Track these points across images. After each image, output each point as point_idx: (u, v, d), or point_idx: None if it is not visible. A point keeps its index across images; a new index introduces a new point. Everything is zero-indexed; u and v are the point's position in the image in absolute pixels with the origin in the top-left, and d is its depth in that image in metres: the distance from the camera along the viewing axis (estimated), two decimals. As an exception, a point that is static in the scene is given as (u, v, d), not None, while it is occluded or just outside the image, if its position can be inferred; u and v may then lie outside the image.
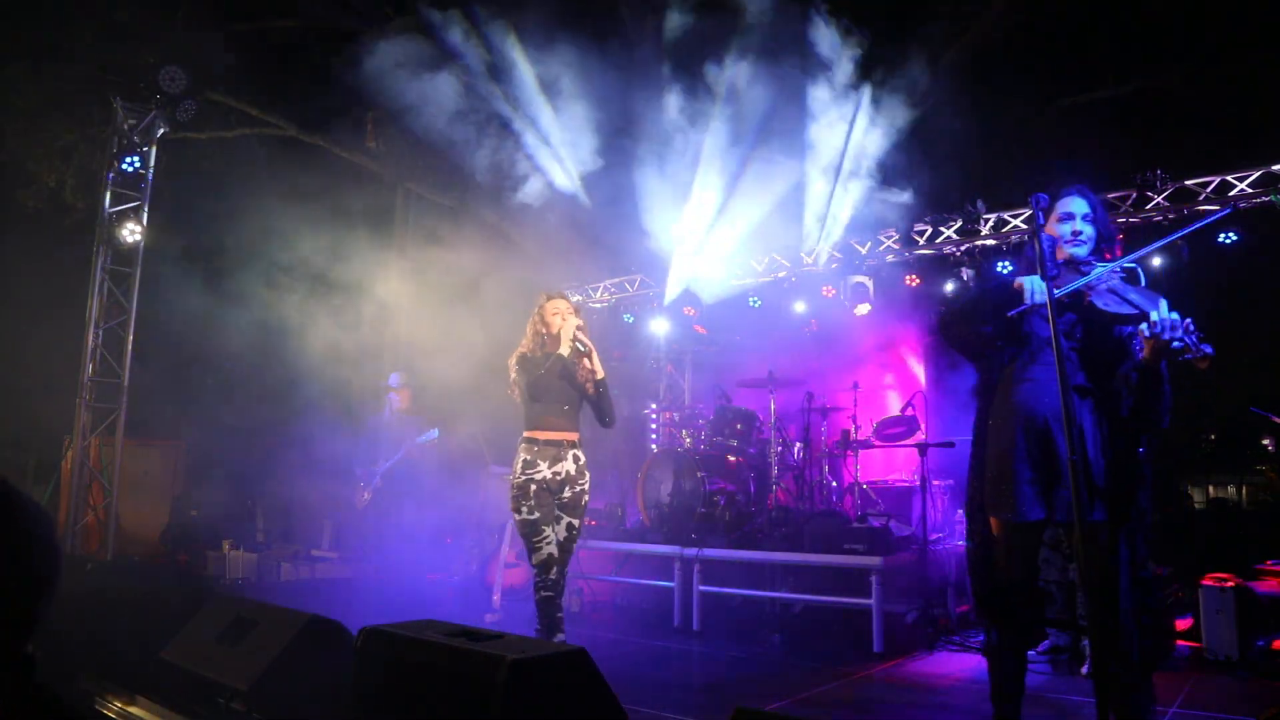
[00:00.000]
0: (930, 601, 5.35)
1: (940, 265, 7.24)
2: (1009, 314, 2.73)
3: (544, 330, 4.22)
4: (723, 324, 8.78)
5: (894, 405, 7.19)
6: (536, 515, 4.01)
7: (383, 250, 10.42)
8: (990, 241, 6.96)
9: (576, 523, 4.16)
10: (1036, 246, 2.57)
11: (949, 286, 7.15)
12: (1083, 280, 2.74)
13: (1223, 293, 6.56)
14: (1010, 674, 2.88)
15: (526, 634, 3.32)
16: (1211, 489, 8.18)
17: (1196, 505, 7.98)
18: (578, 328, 4.14)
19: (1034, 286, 2.70)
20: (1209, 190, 6.09)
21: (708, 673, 4.87)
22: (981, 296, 2.98)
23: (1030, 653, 4.60)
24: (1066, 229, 2.87)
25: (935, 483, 6.50)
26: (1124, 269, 2.79)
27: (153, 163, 7.86)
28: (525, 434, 4.14)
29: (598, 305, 9.17)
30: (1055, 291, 2.57)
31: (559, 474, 4.08)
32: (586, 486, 4.20)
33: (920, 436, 6.60)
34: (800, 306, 8.06)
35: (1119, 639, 2.59)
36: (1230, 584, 4.61)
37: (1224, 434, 7.78)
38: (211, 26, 9.05)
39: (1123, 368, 2.74)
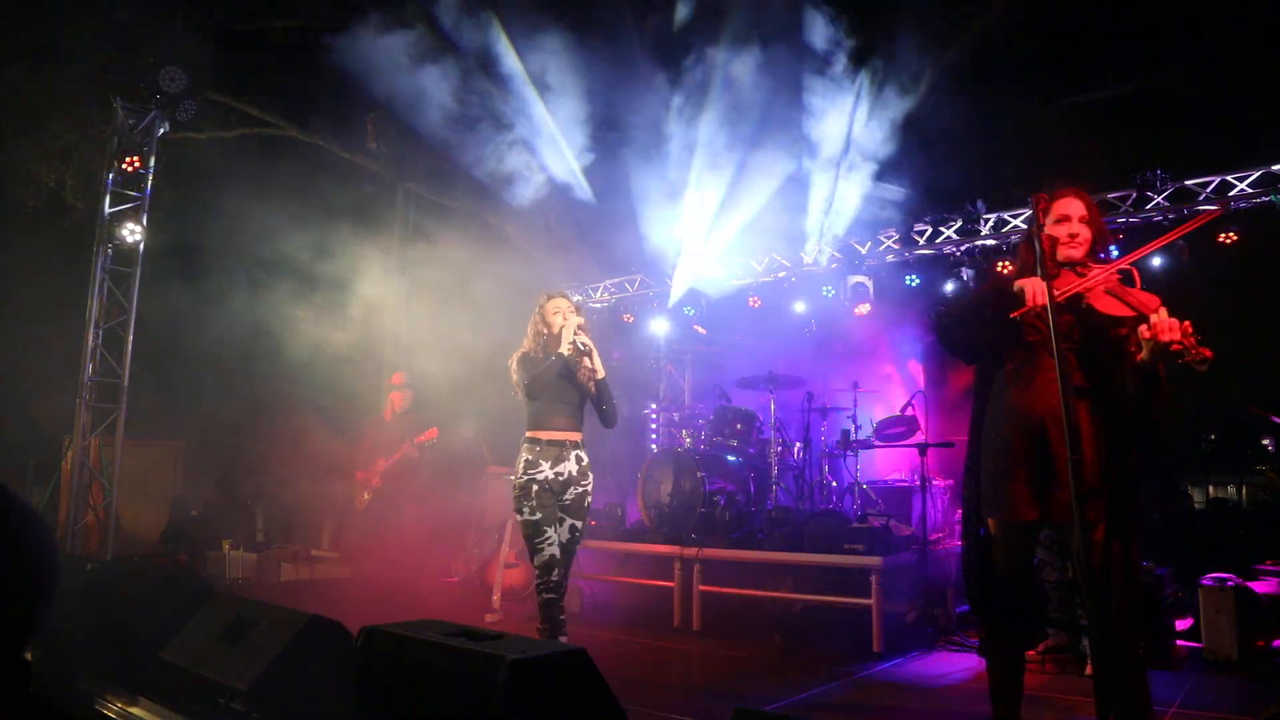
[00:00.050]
0: (930, 601, 5.35)
1: (940, 265, 7.24)
2: (1010, 316, 2.73)
3: (545, 330, 4.21)
4: (723, 324, 8.78)
5: (894, 405, 7.18)
6: (538, 516, 4.00)
7: (383, 250, 10.43)
8: (990, 241, 6.96)
9: (579, 524, 4.14)
10: (1037, 247, 2.57)
11: (949, 286, 7.16)
12: (1081, 282, 2.74)
13: (1223, 293, 6.54)
14: (1008, 674, 2.89)
15: (526, 634, 3.32)
16: (1211, 489, 8.16)
17: (1196, 505, 7.97)
18: (578, 326, 4.14)
19: (1034, 289, 2.70)
20: (1209, 190, 6.09)
21: (708, 673, 4.87)
22: (980, 300, 2.98)
23: (1030, 653, 4.63)
24: (1063, 230, 2.88)
25: (935, 483, 6.50)
26: (1120, 270, 2.79)
27: (153, 163, 7.86)
28: (527, 434, 4.13)
29: (598, 305, 9.17)
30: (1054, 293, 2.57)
31: (561, 474, 4.06)
32: (589, 488, 4.17)
33: (920, 436, 6.60)
34: (800, 306, 8.07)
35: (1118, 639, 2.59)
36: (1230, 584, 4.61)
37: (1224, 434, 7.77)
38: (212, 26, 9.05)
39: (1120, 369, 2.74)
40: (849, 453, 6.77)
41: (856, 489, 6.70)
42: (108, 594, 3.56)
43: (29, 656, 1.06)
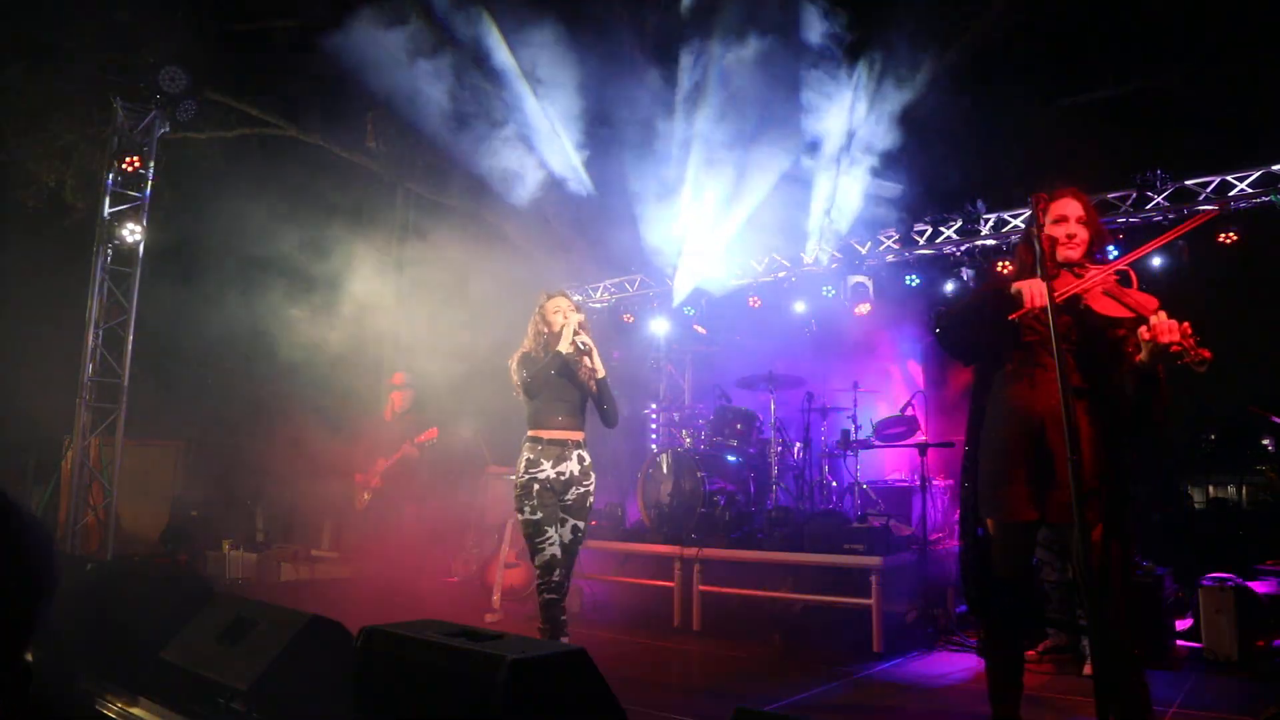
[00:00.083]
0: (930, 601, 5.35)
1: (940, 265, 7.24)
2: (1009, 318, 2.73)
3: (545, 329, 4.20)
4: (723, 324, 8.78)
5: (894, 405, 7.19)
6: (539, 516, 3.98)
7: (382, 250, 10.43)
8: (990, 241, 6.96)
9: (582, 525, 4.13)
10: (1037, 247, 2.57)
11: (949, 286, 7.16)
12: (1079, 283, 2.75)
13: (1223, 293, 6.54)
14: (1007, 674, 2.89)
15: (526, 634, 3.32)
16: (1211, 489, 8.16)
17: (1196, 505, 7.97)
18: (579, 325, 4.14)
19: (1031, 291, 2.71)
20: (1209, 190, 6.09)
21: (708, 673, 4.88)
22: (979, 302, 2.98)
23: (1030, 653, 4.64)
24: (1061, 231, 2.88)
25: (935, 483, 6.50)
26: (1117, 271, 2.80)
27: (153, 163, 7.86)
28: (529, 433, 4.12)
29: (598, 305, 9.18)
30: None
31: (563, 474, 4.05)
32: (591, 488, 4.15)
33: (920, 436, 6.60)
34: (800, 306, 8.07)
35: (1118, 639, 2.59)
36: (1230, 584, 4.61)
37: (1224, 434, 7.77)
38: (212, 26, 9.05)
39: (1118, 370, 2.74)
40: (849, 453, 6.77)
41: (856, 489, 6.70)
42: (108, 594, 3.55)
43: (29, 657, 1.06)
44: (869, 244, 7.57)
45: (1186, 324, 2.48)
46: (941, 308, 3.11)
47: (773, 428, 6.82)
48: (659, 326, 8.98)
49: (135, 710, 2.89)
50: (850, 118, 7.30)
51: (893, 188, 7.46)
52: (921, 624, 5.26)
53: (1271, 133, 6.79)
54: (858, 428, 6.86)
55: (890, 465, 7.91)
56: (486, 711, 2.12)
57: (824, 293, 7.76)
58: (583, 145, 8.05)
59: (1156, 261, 6.13)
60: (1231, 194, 5.99)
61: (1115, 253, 5.16)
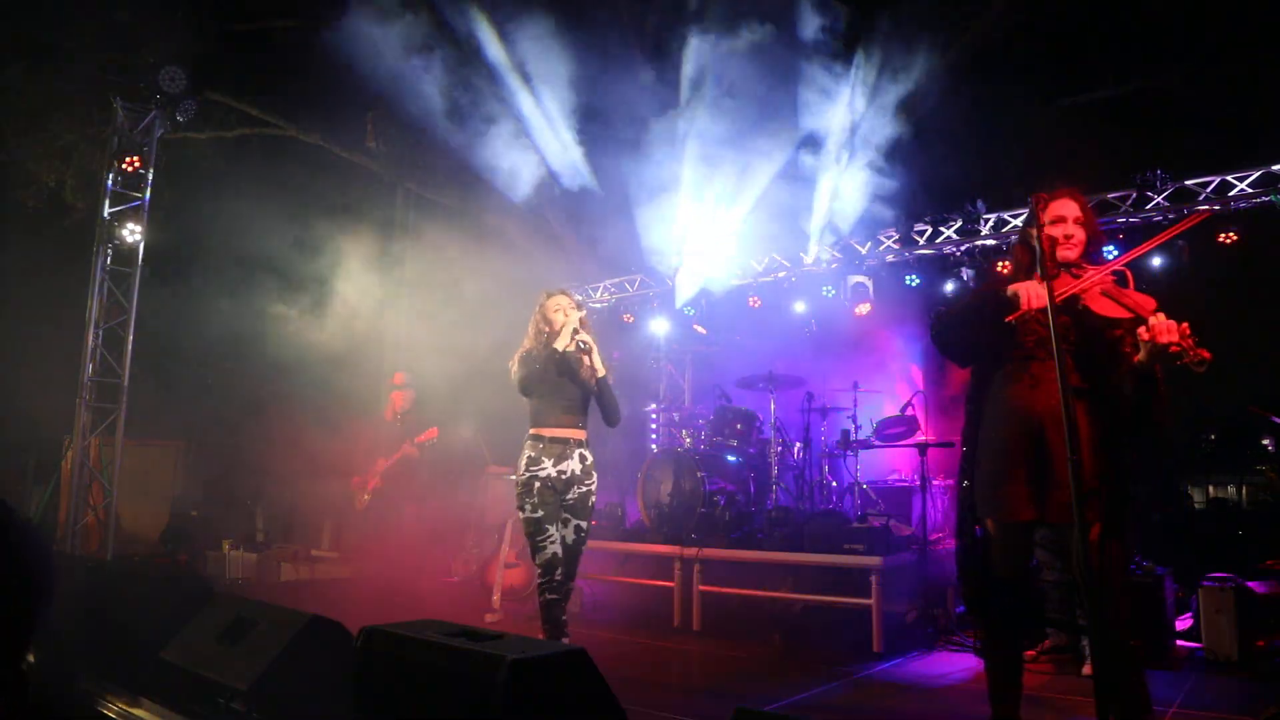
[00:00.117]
0: (930, 601, 5.35)
1: (940, 265, 7.24)
2: (1006, 319, 2.74)
3: (546, 328, 4.20)
4: (723, 324, 8.78)
5: (894, 405, 7.19)
6: (540, 514, 3.98)
7: (382, 250, 10.43)
8: (990, 241, 6.96)
9: (584, 525, 4.11)
10: (1037, 247, 2.57)
11: (949, 286, 7.16)
12: (1078, 284, 2.75)
13: (1222, 293, 6.54)
14: (1006, 674, 2.89)
15: (526, 634, 3.32)
16: (1211, 489, 8.15)
17: (1196, 505, 7.96)
18: (579, 322, 4.14)
19: (1028, 293, 2.71)
20: (1209, 190, 6.08)
21: (708, 673, 4.88)
22: (978, 303, 2.98)
23: (1030, 653, 4.64)
24: (1058, 231, 2.88)
25: (935, 483, 6.50)
26: (1114, 272, 2.80)
27: (153, 163, 7.86)
28: (531, 430, 4.11)
29: (598, 305, 9.18)
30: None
31: (564, 472, 4.05)
32: (593, 487, 4.14)
33: (920, 436, 6.60)
34: (800, 306, 8.07)
35: (1117, 639, 2.59)
36: (1230, 584, 4.61)
37: (1224, 434, 7.76)
38: (212, 26, 9.04)
39: (1117, 371, 2.74)
40: (849, 453, 6.77)
41: (856, 489, 6.70)
42: (108, 594, 3.55)
43: (30, 658, 1.07)
44: (869, 244, 7.57)
45: (1185, 324, 2.48)
46: (942, 308, 3.10)
47: (773, 428, 6.82)
48: (659, 326, 8.98)
49: (135, 710, 2.89)
50: (850, 117, 7.30)
51: (897, 191, 7.45)
52: (921, 624, 5.26)
53: (1271, 133, 6.79)
54: (858, 428, 6.86)
55: (890, 465, 7.91)
56: (486, 711, 2.12)
57: (824, 293, 7.76)
58: (583, 145, 8.05)
59: (1156, 261, 6.13)
60: (1231, 194, 5.99)
61: (1115, 252, 5.16)
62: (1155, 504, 6.94)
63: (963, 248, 7.06)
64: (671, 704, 3.83)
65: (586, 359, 4.12)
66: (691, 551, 5.85)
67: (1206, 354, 2.47)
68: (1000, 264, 6.38)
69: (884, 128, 7.28)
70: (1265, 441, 7.37)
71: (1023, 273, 2.93)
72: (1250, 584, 4.72)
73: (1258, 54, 7.91)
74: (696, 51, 7.78)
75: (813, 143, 7.50)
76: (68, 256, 8.73)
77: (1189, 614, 5.04)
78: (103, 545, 7.58)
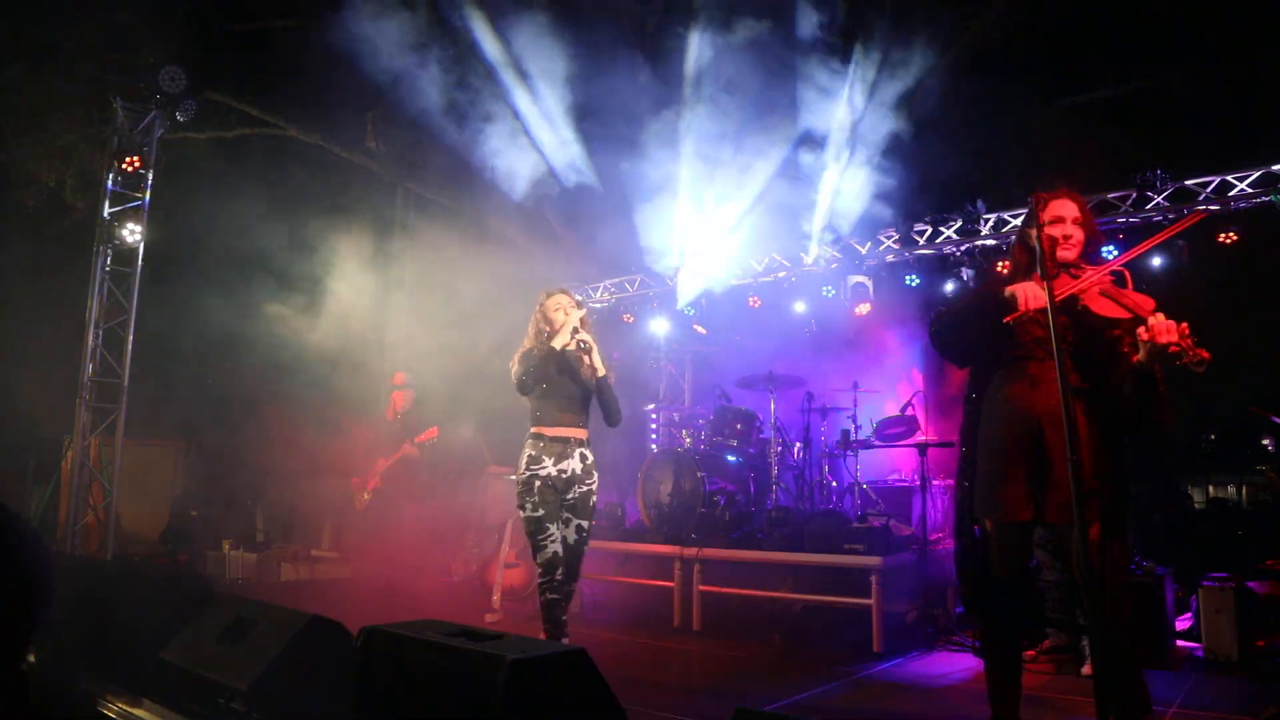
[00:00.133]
0: (930, 601, 5.35)
1: (940, 265, 7.24)
2: (1004, 320, 2.74)
3: (546, 327, 4.20)
4: (723, 324, 8.78)
5: (894, 405, 7.19)
6: (540, 513, 3.97)
7: (383, 250, 10.43)
8: (990, 241, 6.97)
9: (586, 524, 4.11)
10: (1036, 247, 2.57)
11: (949, 286, 7.16)
12: (1076, 284, 2.75)
13: (1222, 293, 6.55)
14: (1005, 674, 2.89)
15: (526, 634, 3.32)
16: (1211, 489, 8.15)
17: (1196, 505, 7.96)
18: (579, 321, 4.14)
19: (1026, 294, 2.71)
20: (1209, 190, 6.08)
21: (708, 673, 4.87)
22: (977, 303, 2.98)
23: (1030, 653, 4.64)
24: (1057, 231, 2.88)
25: (935, 483, 6.50)
26: (1112, 272, 2.80)
27: (153, 163, 7.86)
28: (531, 429, 4.11)
29: (598, 305, 9.18)
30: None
31: (565, 472, 4.05)
32: (594, 487, 4.14)
33: (920, 436, 6.61)
34: (800, 306, 8.07)
35: (1117, 639, 2.59)
36: (1230, 584, 4.61)
37: (1224, 434, 7.75)
38: (212, 26, 9.05)
39: (1116, 371, 2.74)
40: (849, 453, 6.77)
41: (856, 489, 6.70)
42: (108, 594, 3.55)
43: (30, 658, 1.07)
44: (869, 244, 7.57)
45: (1184, 324, 2.48)
46: (942, 308, 3.10)
47: (773, 428, 6.82)
48: (659, 326, 8.98)
49: (135, 710, 2.89)
50: (850, 116, 7.30)
51: (897, 191, 7.45)
52: (921, 624, 5.26)
53: (1271, 133, 6.79)
54: (858, 428, 6.86)
55: (890, 465, 7.91)
56: (486, 711, 2.12)
57: (824, 293, 7.76)
58: (583, 144, 8.05)
59: (1156, 261, 6.13)
60: (1231, 194, 5.99)
61: (1115, 252, 5.16)
62: (1155, 504, 6.94)
63: (963, 248, 7.06)
64: (671, 704, 3.83)
65: (587, 358, 4.12)
66: (691, 551, 5.85)
67: (1206, 354, 2.47)
68: (1000, 264, 6.38)
69: (884, 127, 7.28)
70: (1265, 441, 7.37)
71: (1021, 273, 2.93)
72: (1250, 584, 4.72)
73: (1258, 54, 7.92)
74: (696, 49, 7.78)
75: (813, 142, 7.50)
76: (68, 256, 8.73)
77: (1189, 614, 5.04)
78: (103, 545, 7.59)
